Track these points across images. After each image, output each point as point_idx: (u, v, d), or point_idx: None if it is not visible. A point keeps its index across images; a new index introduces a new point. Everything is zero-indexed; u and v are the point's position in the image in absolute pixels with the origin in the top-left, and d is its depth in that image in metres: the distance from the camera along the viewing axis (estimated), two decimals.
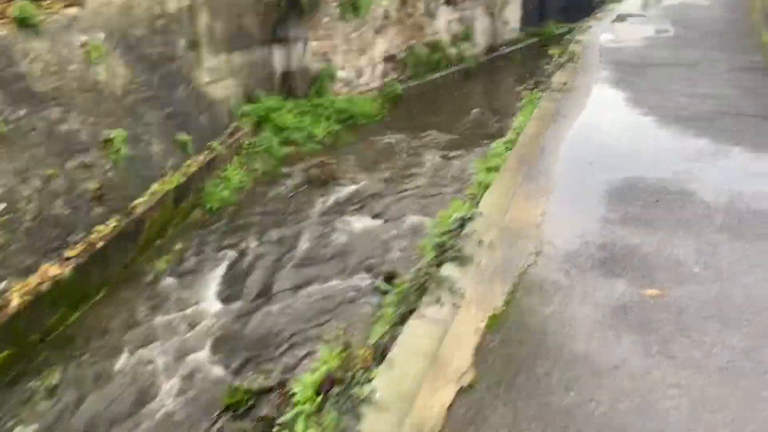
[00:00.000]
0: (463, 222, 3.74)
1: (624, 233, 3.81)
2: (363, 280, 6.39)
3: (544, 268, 3.42)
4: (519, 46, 16.63)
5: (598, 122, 6.04)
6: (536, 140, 5.48)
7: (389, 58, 13.12)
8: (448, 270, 3.32)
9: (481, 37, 15.65)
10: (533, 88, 7.19)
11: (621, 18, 12.51)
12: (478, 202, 4.17)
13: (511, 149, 5.20)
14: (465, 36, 14.92)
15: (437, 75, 14.11)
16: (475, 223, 3.79)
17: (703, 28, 10.63)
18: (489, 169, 4.72)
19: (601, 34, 10.76)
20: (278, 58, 11.02)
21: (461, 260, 3.37)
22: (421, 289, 3.13)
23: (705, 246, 3.62)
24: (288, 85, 11.32)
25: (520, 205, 4.18)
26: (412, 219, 7.82)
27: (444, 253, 3.43)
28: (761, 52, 8.64)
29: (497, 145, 5.44)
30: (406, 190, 9.62)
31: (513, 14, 16.84)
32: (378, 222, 8.50)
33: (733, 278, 3.29)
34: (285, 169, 9.62)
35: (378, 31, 12.59)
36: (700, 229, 3.85)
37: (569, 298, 3.16)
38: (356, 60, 12.32)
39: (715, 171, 4.74)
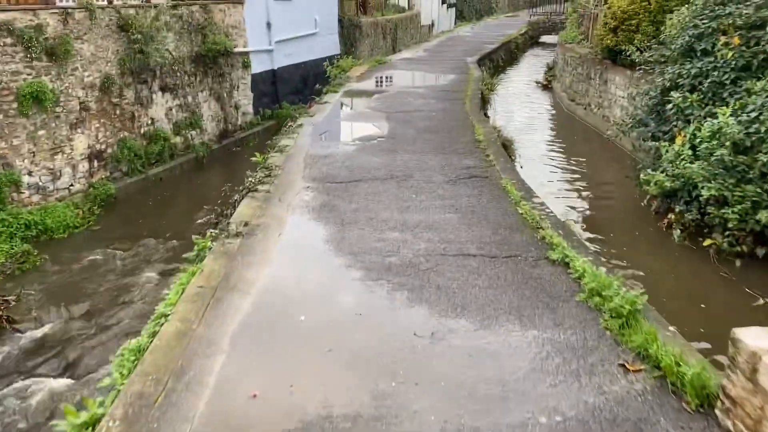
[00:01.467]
0: None
1: None
2: None
3: None
4: (254, 130, 16.03)
5: (285, 289, 4.73)
6: (171, 357, 3.65)
7: (96, 155, 11.30)
8: None
9: (210, 124, 14.70)
10: (216, 223, 6.21)
11: (338, 111, 12.37)
12: None
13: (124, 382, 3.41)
14: (191, 123, 13.82)
15: (161, 168, 12.65)
16: None
17: (419, 123, 10.78)
18: None
19: (312, 133, 10.35)
20: None
21: None
22: None
23: None
24: None
25: None
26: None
27: None
28: (477, 152, 8.79)
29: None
30: (110, 326, 7.99)
31: (244, 98, 16.24)
32: (69, 382, 6.85)
33: None
34: None
35: (75, 125, 10.75)
36: None
37: None
38: (49, 161, 10.31)
39: (433, 379, 3.58)
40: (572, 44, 18.19)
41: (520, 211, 6.42)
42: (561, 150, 13.94)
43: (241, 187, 7.42)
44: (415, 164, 8.24)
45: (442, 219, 6.29)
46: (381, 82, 16.08)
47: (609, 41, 13.01)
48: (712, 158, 7.67)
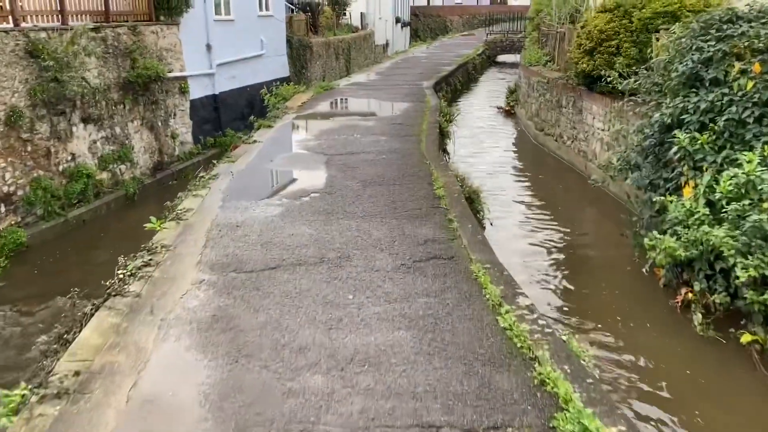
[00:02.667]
0: None
1: None
2: None
3: None
4: (194, 160, 14.25)
5: None
6: None
7: (3, 199, 9.45)
8: None
9: (143, 156, 12.93)
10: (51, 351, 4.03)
11: (267, 153, 10.28)
12: None
13: None
14: (119, 157, 12.06)
15: (84, 209, 10.85)
16: None
17: (365, 169, 8.76)
18: None
19: (228, 188, 8.22)
20: None
21: None
22: None
23: None
24: None
25: None
26: None
27: None
28: (437, 213, 6.80)
29: None
30: None
31: (182, 126, 14.53)
32: None
33: None
34: None
35: None
36: None
37: None
38: None
39: None
40: (537, 66, 16.52)
41: (503, 325, 4.39)
42: (535, 196, 12.02)
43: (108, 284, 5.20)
44: (356, 237, 6.17)
45: (388, 344, 4.21)
46: (325, 113, 14.03)
47: (585, 65, 11.26)
48: (745, 224, 5.83)
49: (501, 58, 38.33)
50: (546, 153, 14.51)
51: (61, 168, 10.74)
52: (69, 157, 10.94)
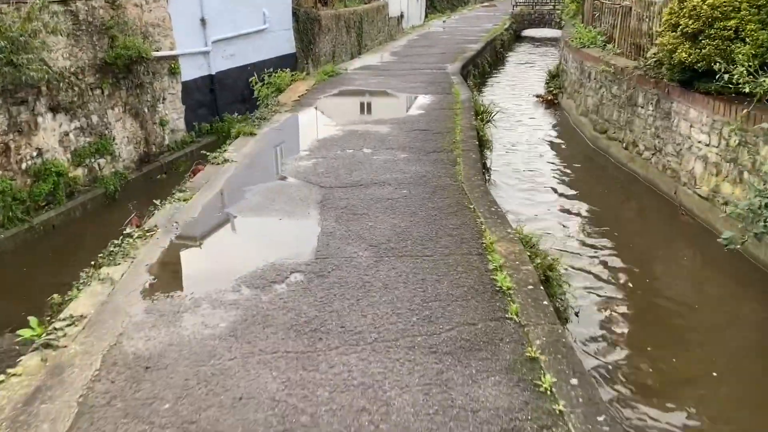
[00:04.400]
0: None
1: None
2: None
3: None
4: (187, 150, 12.71)
5: None
6: None
7: None
8: None
9: (126, 147, 11.30)
10: None
11: (237, 186, 7.31)
12: None
13: None
14: (97, 149, 10.52)
15: (54, 212, 9.30)
16: None
17: (377, 219, 5.81)
18: None
19: (158, 264, 5.29)
20: None
21: None
22: None
23: None
24: None
25: None
26: None
27: None
28: (507, 339, 3.88)
29: None
30: None
31: (173, 111, 12.72)
32: None
33: None
34: None
35: None
36: None
37: None
38: None
39: None
40: (593, 49, 13.29)
41: None
42: (611, 240, 8.41)
43: None
44: (361, 412, 3.22)
45: None
46: (326, 112, 11.00)
47: (685, 54, 8.08)
48: None
49: (527, 32, 34.81)
50: (611, 164, 11.31)
51: (24, 166, 9.16)
52: (34, 153, 9.32)
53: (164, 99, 12.43)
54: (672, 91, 8.93)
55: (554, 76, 17.29)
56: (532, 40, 33.03)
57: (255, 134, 9.25)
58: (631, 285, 7.34)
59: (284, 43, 17.35)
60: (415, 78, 14.26)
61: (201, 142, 12.96)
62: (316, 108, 11.19)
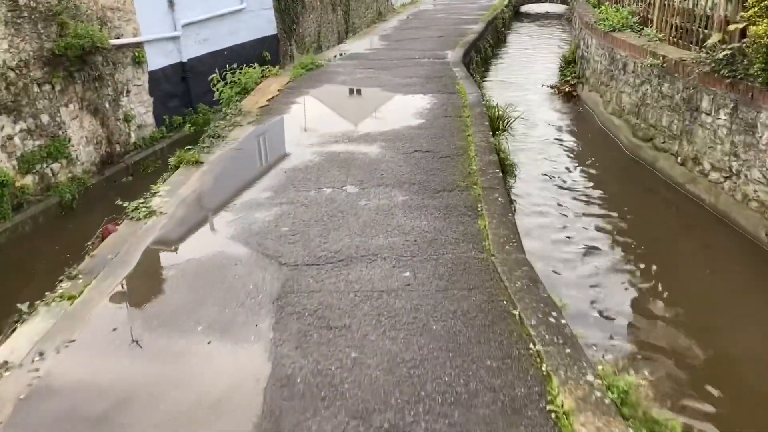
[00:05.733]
0: None
1: None
2: None
3: None
4: (157, 147, 11.41)
5: None
6: None
7: None
8: None
9: (85, 149, 10.21)
10: None
11: (162, 260, 5.03)
12: None
13: None
14: (50, 153, 9.35)
15: None
16: None
17: (371, 317, 3.66)
18: None
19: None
20: None
21: None
22: None
23: None
24: None
25: None
26: None
27: None
28: None
29: None
30: None
31: (139, 105, 11.38)
32: None
33: None
34: None
35: None
36: None
37: None
38: None
39: None
40: (623, 33, 10.98)
41: None
42: (672, 305, 6.54)
43: None
44: None
45: None
46: (299, 123, 8.69)
47: None
48: None
49: (526, 8, 32.28)
50: (660, 182, 8.96)
51: None
52: None
53: (128, 92, 11.13)
54: (761, 97, 6.64)
55: (569, 63, 14.94)
56: (533, 17, 30.47)
57: (202, 162, 6.95)
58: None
59: (264, 23, 15.65)
60: (410, 71, 11.91)
61: (173, 137, 11.77)
62: (287, 117, 8.87)
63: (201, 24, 13.16)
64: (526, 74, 17.09)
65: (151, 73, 11.73)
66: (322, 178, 6.35)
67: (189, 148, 7.43)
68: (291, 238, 4.97)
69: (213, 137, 7.89)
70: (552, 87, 14.78)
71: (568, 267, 7.09)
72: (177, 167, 6.90)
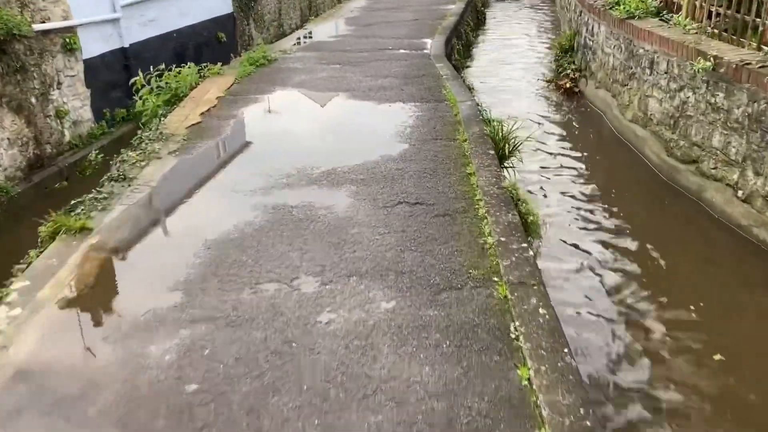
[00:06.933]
0: None
1: None
2: None
3: None
4: (96, 145, 9.67)
5: None
6: None
7: None
8: None
9: (9, 152, 8.36)
10: None
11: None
12: None
13: None
14: None
15: None
16: None
17: None
18: None
19: None
20: None
21: None
22: None
23: None
24: None
25: None
26: None
27: None
28: None
29: None
30: None
31: (74, 99, 9.65)
32: None
33: None
34: None
35: None
36: None
37: None
38: None
39: None
40: (644, 21, 8.96)
41: None
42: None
43: None
44: None
45: None
46: (239, 147, 6.49)
47: None
48: None
49: None
50: (710, 219, 6.95)
51: None
52: None
53: (59, 84, 9.74)
54: None
55: (565, 51, 12.89)
56: None
57: (91, 229, 4.75)
58: None
59: (219, 2, 13.82)
60: (384, 67, 9.73)
61: (114, 133, 10.30)
62: (222, 143, 6.66)
63: (145, 4, 11.43)
64: (515, 62, 14.97)
65: (87, 62, 10.21)
66: (262, 261, 4.23)
67: (76, 203, 5.18)
68: (200, 414, 2.86)
69: (116, 180, 5.66)
70: (549, 82, 12.71)
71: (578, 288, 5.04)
72: (51, 238, 4.69)
